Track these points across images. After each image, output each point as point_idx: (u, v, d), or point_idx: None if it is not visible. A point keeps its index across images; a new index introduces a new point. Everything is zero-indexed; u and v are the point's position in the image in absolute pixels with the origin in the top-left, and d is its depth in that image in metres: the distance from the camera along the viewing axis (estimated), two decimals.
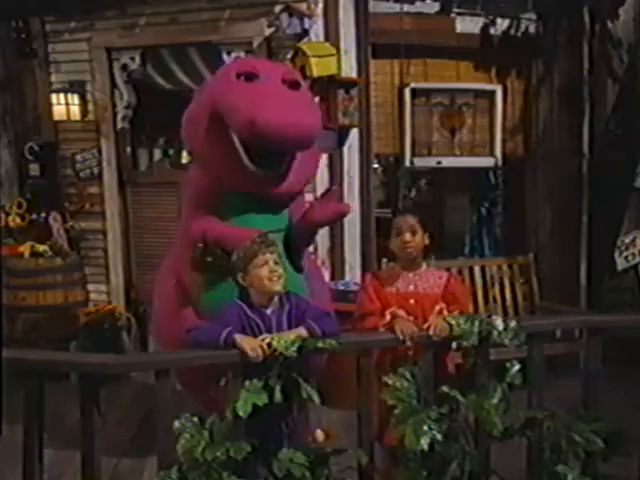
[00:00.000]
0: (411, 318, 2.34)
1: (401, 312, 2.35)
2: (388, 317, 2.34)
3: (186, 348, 2.20)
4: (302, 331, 2.11)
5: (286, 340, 2.02)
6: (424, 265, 2.51)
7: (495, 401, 2.07)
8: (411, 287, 2.46)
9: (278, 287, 2.20)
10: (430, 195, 5.51)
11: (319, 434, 2.85)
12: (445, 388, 2.10)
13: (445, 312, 2.31)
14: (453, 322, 2.18)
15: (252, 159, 2.46)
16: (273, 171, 2.50)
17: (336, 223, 4.02)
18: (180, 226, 2.91)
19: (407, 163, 4.40)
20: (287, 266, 2.51)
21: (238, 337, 2.05)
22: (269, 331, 2.16)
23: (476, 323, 2.16)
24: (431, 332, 2.20)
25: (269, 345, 2.02)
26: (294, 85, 2.55)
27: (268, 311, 2.23)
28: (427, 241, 2.47)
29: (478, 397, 2.09)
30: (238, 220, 2.55)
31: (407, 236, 2.41)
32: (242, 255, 2.21)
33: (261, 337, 2.07)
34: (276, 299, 2.24)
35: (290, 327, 2.20)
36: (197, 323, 2.40)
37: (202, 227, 2.56)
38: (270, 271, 2.17)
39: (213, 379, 2.11)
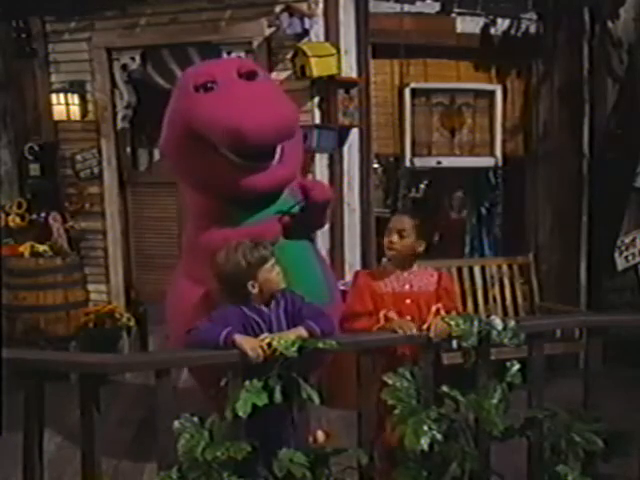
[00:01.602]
0: (408, 318, 2.35)
1: (392, 314, 2.35)
2: (382, 321, 2.34)
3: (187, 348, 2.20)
4: (302, 331, 2.11)
5: (286, 340, 2.02)
6: (415, 265, 2.50)
7: (495, 401, 2.07)
8: (407, 287, 2.46)
9: (284, 283, 2.29)
10: (430, 195, 5.51)
11: (320, 434, 2.85)
12: (445, 388, 2.10)
13: (442, 312, 2.29)
14: (452, 323, 2.17)
15: (241, 157, 2.50)
16: (262, 163, 2.53)
17: (338, 216, 4.07)
18: (186, 237, 2.92)
19: (407, 163, 4.39)
20: (310, 272, 2.64)
21: (238, 337, 2.05)
22: (270, 329, 2.18)
23: (475, 323, 2.16)
24: (432, 334, 2.19)
25: (269, 345, 2.02)
26: (251, 76, 2.58)
27: (266, 309, 2.25)
28: (420, 248, 2.45)
29: (478, 397, 2.09)
30: (245, 221, 2.57)
31: (393, 237, 2.43)
32: (253, 262, 2.22)
33: (261, 337, 2.08)
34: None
35: (288, 323, 2.23)
36: (197, 323, 2.39)
37: (211, 237, 2.55)
38: (277, 273, 2.26)
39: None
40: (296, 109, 2.58)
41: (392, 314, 2.35)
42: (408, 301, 2.43)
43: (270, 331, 2.16)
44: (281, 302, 2.28)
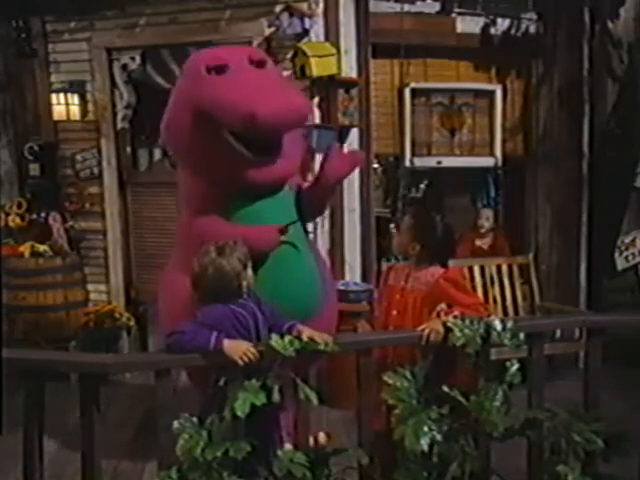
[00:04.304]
0: (394, 312, 2.44)
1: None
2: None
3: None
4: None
5: (284, 340, 2.03)
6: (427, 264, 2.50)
7: (497, 403, 2.06)
8: (402, 282, 2.50)
9: None
10: (430, 195, 5.51)
11: (322, 436, 2.84)
12: (445, 388, 2.09)
13: (442, 314, 2.26)
14: (455, 328, 2.15)
15: (247, 148, 2.48)
16: (268, 157, 2.51)
17: (338, 216, 4.09)
18: (180, 227, 2.89)
19: (407, 163, 4.39)
20: (304, 258, 2.62)
21: (227, 343, 2.07)
22: (255, 320, 2.23)
23: (476, 326, 2.15)
24: (423, 340, 2.19)
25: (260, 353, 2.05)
26: (261, 64, 2.61)
27: (246, 302, 2.28)
28: (412, 250, 2.47)
29: (479, 398, 2.08)
30: (245, 216, 2.55)
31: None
32: (246, 262, 2.26)
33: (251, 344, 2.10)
34: None
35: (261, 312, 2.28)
36: (180, 326, 2.29)
37: (209, 230, 2.53)
38: None
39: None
40: (306, 100, 2.61)
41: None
42: (398, 296, 2.49)
43: (255, 322, 2.23)
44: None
